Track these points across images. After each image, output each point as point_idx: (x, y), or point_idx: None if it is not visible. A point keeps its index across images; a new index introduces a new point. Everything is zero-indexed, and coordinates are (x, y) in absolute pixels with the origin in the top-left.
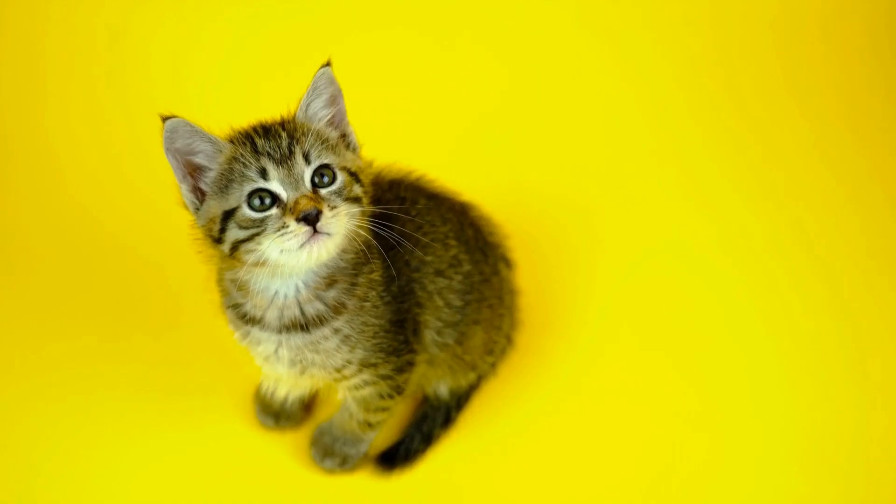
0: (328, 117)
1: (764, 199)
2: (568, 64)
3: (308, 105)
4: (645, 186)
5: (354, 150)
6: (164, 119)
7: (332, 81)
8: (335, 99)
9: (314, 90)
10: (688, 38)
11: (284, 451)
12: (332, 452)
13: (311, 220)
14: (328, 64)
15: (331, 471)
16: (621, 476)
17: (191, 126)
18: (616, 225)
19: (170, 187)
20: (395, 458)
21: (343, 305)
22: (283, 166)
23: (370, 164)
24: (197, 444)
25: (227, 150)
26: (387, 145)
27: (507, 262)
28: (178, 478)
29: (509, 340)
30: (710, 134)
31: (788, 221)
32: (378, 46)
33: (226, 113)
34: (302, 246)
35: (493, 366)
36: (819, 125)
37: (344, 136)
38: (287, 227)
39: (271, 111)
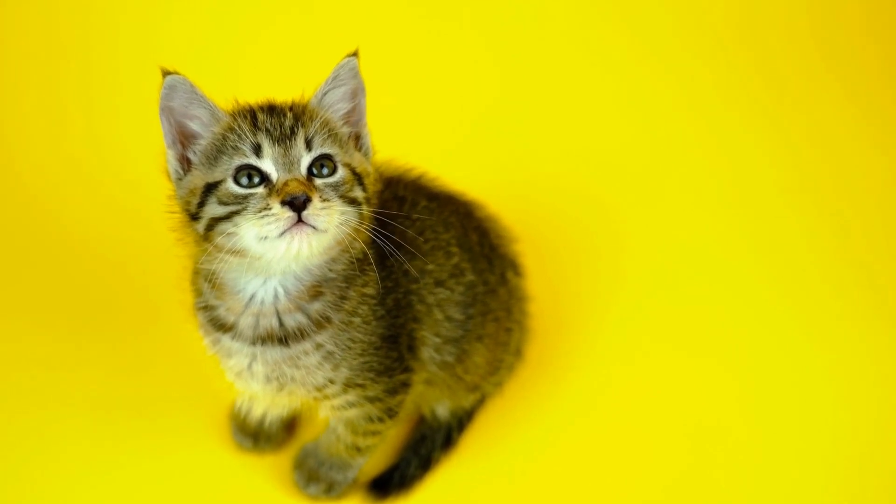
0: (344, 112)
1: (802, 193)
2: (585, 47)
3: (325, 94)
4: (669, 180)
5: (366, 154)
6: (165, 74)
7: (355, 74)
8: (356, 94)
9: (334, 79)
10: (715, 16)
11: (264, 476)
12: (317, 477)
13: (297, 205)
14: (355, 54)
15: (315, 498)
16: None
17: (191, 87)
18: (638, 224)
19: (138, 185)
20: (388, 484)
21: (328, 320)
22: (280, 145)
23: (378, 170)
24: (166, 466)
25: (225, 120)
26: (384, 139)
27: (517, 269)
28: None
29: (518, 355)
30: (741, 122)
31: (829, 218)
32: (380, 32)
33: None
34: (282, 234)
35: (499, 385)
36: (866, 109)
37: (358, 137)
38: (270, 208)
39: None
